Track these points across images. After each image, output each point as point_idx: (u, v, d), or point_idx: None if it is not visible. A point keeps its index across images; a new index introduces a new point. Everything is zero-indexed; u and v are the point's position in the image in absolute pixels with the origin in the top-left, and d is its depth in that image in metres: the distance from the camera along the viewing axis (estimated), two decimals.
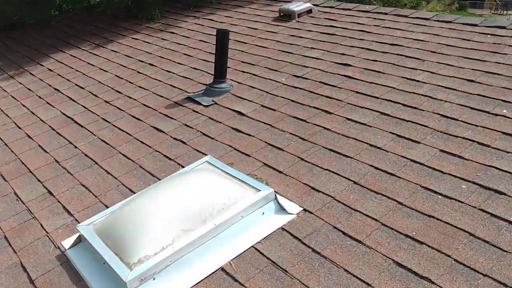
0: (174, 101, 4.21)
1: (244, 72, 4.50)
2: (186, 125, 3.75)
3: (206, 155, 3.27)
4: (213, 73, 4.58)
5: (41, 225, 2.89)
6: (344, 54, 4.45)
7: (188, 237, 2.33)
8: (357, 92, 3.72)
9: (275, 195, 2.61)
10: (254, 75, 4.40)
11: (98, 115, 4.22)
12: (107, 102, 4.46)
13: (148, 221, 2.40)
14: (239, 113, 3.77)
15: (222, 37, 4.06)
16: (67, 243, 2.66)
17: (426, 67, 3.90)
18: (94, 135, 3.88)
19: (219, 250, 2.38)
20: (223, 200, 2.52)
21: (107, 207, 2.92)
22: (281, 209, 2.60)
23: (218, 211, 2.46)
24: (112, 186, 3.14)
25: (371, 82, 3.83)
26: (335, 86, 3.88)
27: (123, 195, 3.02)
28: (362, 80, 3.89)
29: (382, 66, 4.07)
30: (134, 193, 3.01)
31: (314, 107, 3.63)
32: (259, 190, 2.59)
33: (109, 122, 4.05)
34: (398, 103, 3.46)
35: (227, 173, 2.81)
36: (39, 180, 3.37)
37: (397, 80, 3.78)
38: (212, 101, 4.05)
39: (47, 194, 3.19)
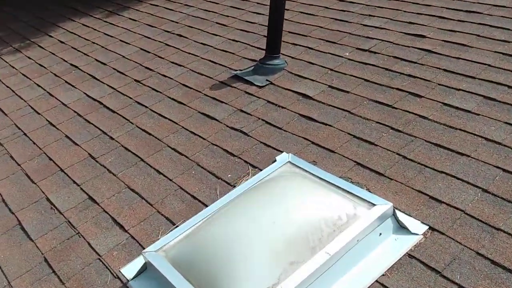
0: (219, 80, 3.60)
1: (295, 44, 3.88)
2: (242, 110, 3.16)
3: (277, 150, 2.71)
4: (258, 46, 3.99)
5: (89, 244, 2.34)
6: (413, 23, 3.83)
7: (298, 274, 1.79)
8: (445, 70, 3.14)
9: (394, 210, 2.07)
10: (309, 48, 3.79)
11: (130, 98, 3.61)
12: (137, 81, 3.84)
13: (245, 251, 1.86)
14: (304, 95, 3.19)
15: (277, 4, 3.42)
16: (128, 271, 2.12)
17: None
18: (131, 122, 3.28)
19: (336, 287, 1.86)
20: (332, 219, 1.97)
21: (169, 220, 2.38)
22: (401, 228, 2.06)
23: (328, 235, 1.92)
24: (169, 191, 2.58)
25: (459, 58, 3.24)
26: (415, 63, 3.29)
27: (186, 203, 2.46)
28: (446, 55, 3.30)
29: (465, 37, 3.47)
30: (198, 200, 2.46)
31: (396, 89, 3.05)
32: (374, 205, 2.05)
33: (146, 107, 3.44)
34: (502, 84, 2.89)
35: (322, 178, 2.26)
36: (74, 182, 2.80)
37: (490, 56, 3.19)
38: (267, 80, 3.45)
39: (88, 201, 2.63)
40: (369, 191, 2.28)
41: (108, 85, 3.87)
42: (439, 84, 3.01)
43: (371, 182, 2.36)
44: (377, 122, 2.78)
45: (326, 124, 2.85)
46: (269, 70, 3.53)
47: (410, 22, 3.86)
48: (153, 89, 3.67)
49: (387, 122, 2.77)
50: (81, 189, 2.73)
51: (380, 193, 2.27)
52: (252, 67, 3.64)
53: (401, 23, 3.87)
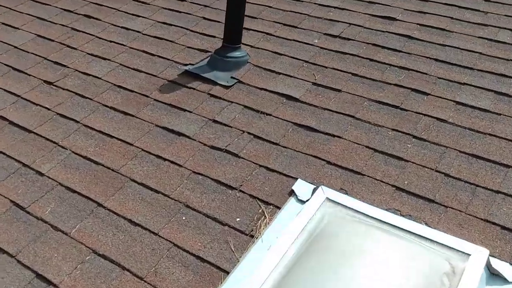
0: (168, 79, 2.83)
1: (248, 29, 3.23)
2: (215, 121, 2.48)
3: (286, 175, 2.12)
4: (200, 31, 3.28)
5: None
6: (374, 3, 3.43)
7: None
8: (436, 60, 2.80)
9: (488, 257, 1.66)
10: (267, 34, 3.18)
11: (47, 109, 2.66)
12: (49, 83, 2.87)
13: None
14: (288, 97, 2.61)
15: None
16: None
17: (497, 22, 3.11)
18: (62, 147, 2.39)
19: None
20: (433, 285, 1.49)
21: None
22: (494, 276, 1.67)
23: None
24: (160, 252, 1.85)
25: (444, 45, 2.93)
26: (400, 51, 2.90)
27: (191, 269, 1.78)
28: (429, 42, 2.96)
29: (440, 21, 3.17)
30: (208, 262, 1.80)
31: (394, 85, 2.64)
32: (467, 254, 1.62)
33: (76, 121, 2.55)
34: (506, 76, 2.64)
35: (382, 221, 1.75)
36: (4, 252, 1.90)
37: (477, 42, 2.93)
38: (232, 78, 2.78)
39: (38, 283, 1.78)
40: (427, 225, 1.85)
41: (6, 90, 2.83)
42: (439, 78, 2.66)
43: (424, 213, 1.92)
44: (393, 130, 2.34)
45: (333, 135, 2.33)
46: (231, 64, 2.85)
47: (370, 2, 3.45)
48: (77, 93, 2.76)
49: (405, 128, 2.34)
50: (19, 262, 1.85)
51: (443, 227, 1.85)
52: (206, 60, 2.93)
53: (361, 3, 3.44)
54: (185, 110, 2.57)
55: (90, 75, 2.91)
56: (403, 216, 1.90)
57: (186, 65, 2.92)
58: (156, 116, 2.54)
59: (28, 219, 2.02)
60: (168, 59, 3.00)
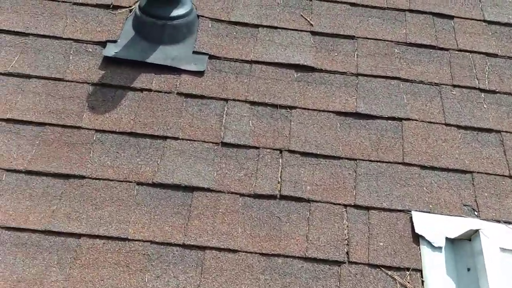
0: (88, 80, 1.66)
1: None
2: (225, 144, 1.57)
3: (391, 210, 1.49)
4: None
5: None
6: None
7: None
8: None
9: None
10: None
11: None
12: None
13: None
14: (299, 67, 1.77)
15: None
16: None
17: None
18: None
19: None
20: None
21: None
22: None
23: None
24: None
25: None
26: None
27: None
28: None
29: None
30: None
31: (400, 10, 1.98)
32: None
33: None
34: None
35: None
36: None
37: None
38: (196, 53, 1.75)
39: None
40: None
41: None
42: None
43: None
44: (455, 86, 1.79)
45: (399, 119, 1.69)
46: (182, 28, 1.78)
47: None
48: None
49: (465, 81, 1.81)
50: None
51: None
52: (130, 29, 1.78)
53: None
54: (166, 138, 1.56)
55: None
56: None
57: (103, 44, 1.74)
58: (120, 165, 1.49)
59: None
60: (61, 38, 1.74)
